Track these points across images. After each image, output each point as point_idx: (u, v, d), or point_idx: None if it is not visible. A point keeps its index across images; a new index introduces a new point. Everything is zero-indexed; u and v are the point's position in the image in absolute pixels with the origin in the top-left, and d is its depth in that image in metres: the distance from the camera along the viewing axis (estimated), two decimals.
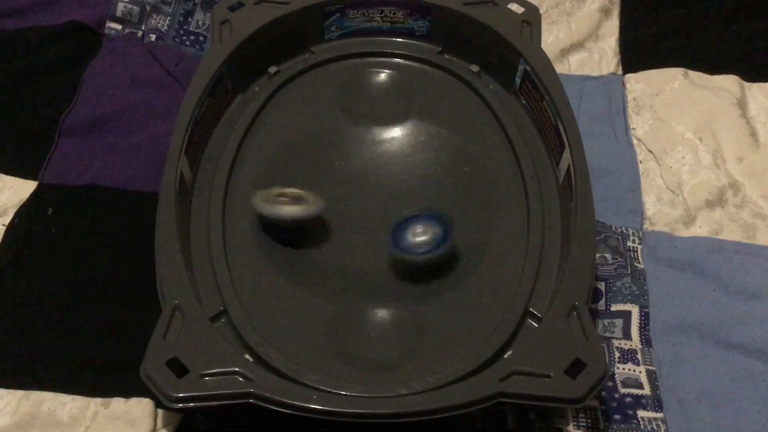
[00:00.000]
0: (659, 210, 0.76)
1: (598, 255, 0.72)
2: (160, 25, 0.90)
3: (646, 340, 0.68)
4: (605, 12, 0.94)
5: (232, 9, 0.76)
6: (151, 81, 0.84)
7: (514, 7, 0.77)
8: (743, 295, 0.70)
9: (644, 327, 0.68)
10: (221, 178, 0.69)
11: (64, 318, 0.66)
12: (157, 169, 0.70)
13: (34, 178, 0.76)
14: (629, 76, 0.88)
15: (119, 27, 0.89)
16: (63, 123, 0.79)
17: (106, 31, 0.88)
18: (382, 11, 0.79)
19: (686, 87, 0.86)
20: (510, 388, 0.54)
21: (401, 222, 0.67)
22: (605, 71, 0.89)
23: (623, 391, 0.65)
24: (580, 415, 0.63)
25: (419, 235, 0.66)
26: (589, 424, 0.62)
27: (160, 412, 0.62)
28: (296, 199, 0.66)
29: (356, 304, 0.64)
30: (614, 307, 0.70)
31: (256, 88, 0.77)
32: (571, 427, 0.62)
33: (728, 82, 0.86)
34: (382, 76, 0.79)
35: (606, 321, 0.69)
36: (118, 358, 0.64)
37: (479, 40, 0.77)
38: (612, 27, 0.93)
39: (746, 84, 0.87)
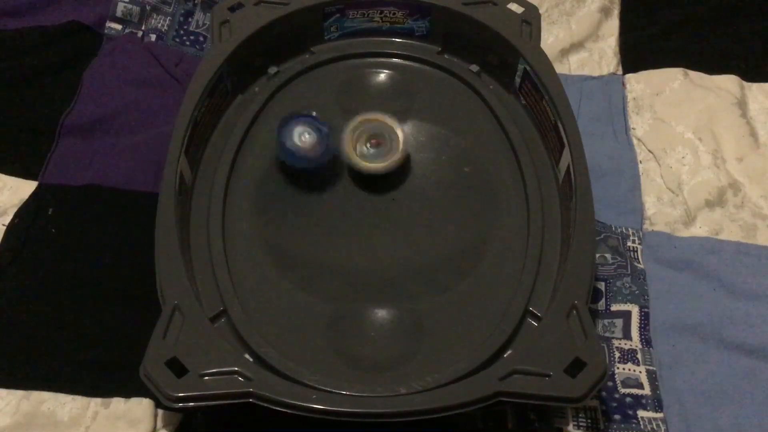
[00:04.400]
0: (659, 210, 0.76)
1: (598, 255, 0.72)
2: (160, 25, 0.90)
3: (646, 340, 0.68)
4: (605, 12, 0.94)
5: (232, 9, 0.76)
6: (151, 81, 0.84)
7: (514, 7, 0.77)
8: (743, 295, 0.70)
9: (644, 327, 0.68)
10: (221, 178, 0.69)
11: (64, 318, 0.66)
12: (157, 169, 0.70)
13: (34, 178, 0.76)
14: (629, 76, 0.88)
15: (119, 27, 0.89)
16: (63, 123, 0.79)
17: (106, 31, 0.88)
18: (381, 11, 0.79)
19: (686, 87, 0.86)
20: (510, 388, 0.54)
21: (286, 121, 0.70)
22: (605, 71, 0.89)
23: (623, 391, 0.65)
24: (580, 415, 0.63)
25: (303, 141, 0.69)
26: (589, 424, 0.62)
27: (160, 412, 0.62)
28: (379, 144, 0.68)
29: (356, 304, 0.64)
30: (614, 307, 0.70)
31: (256, 89, 0.76)
32: (571, 427, 0.62)
33: (728, 82, 0.86)
34: (382, 76, 0.79)
35: (606, 321, 0.69)
36: (118, 358, 0.64)
37: (479, 40, 0.77)
38: (612, 27, 0.93)
39: (746, 84, 0.87)
